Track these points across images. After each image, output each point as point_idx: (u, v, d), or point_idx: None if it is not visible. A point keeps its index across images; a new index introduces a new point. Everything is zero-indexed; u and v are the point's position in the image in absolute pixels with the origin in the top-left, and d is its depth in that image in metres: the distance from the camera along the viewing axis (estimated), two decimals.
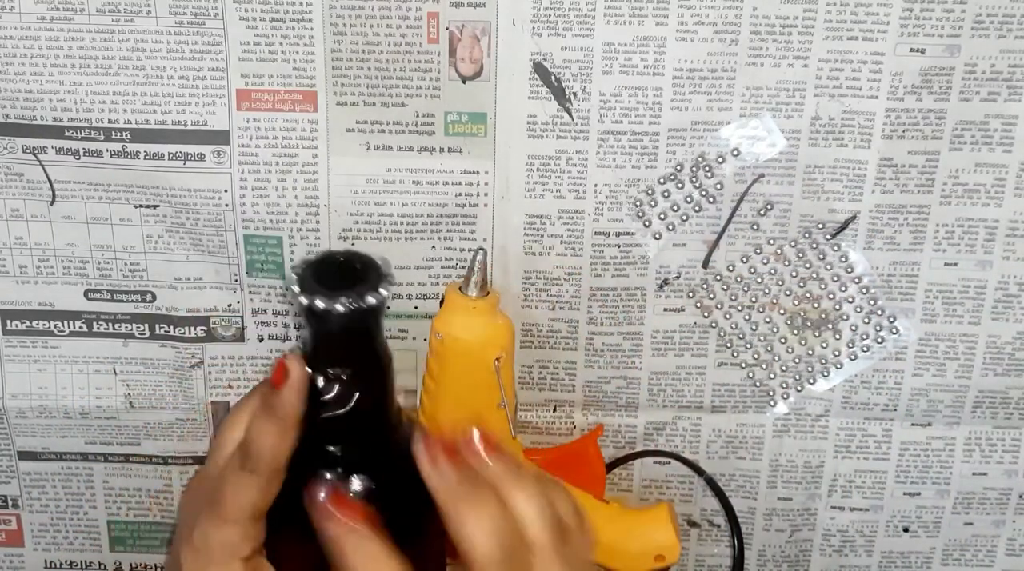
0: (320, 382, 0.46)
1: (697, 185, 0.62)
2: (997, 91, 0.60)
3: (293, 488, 0.46)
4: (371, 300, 0.44)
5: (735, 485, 0.68)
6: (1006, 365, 0.65)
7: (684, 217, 0.63)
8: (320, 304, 0.44)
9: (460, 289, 0.58)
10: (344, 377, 0.46)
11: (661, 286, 0.64)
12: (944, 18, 0.58)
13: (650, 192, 0.62)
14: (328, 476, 0.47)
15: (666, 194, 0.62)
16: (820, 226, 0.63)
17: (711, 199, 0.62)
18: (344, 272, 0.46)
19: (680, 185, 0.62)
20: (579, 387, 0.66)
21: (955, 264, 0.63)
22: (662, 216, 0.63)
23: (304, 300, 0.44)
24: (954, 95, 0.60)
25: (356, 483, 0.47)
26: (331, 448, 0.47)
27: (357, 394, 0.46)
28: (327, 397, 0.46)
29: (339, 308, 0.44)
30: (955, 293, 0.64)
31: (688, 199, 0.62)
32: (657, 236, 0.63)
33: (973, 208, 0.62)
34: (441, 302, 0.59)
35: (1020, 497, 0.68)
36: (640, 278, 0.64)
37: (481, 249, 0.58)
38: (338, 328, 0.45)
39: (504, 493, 0.47)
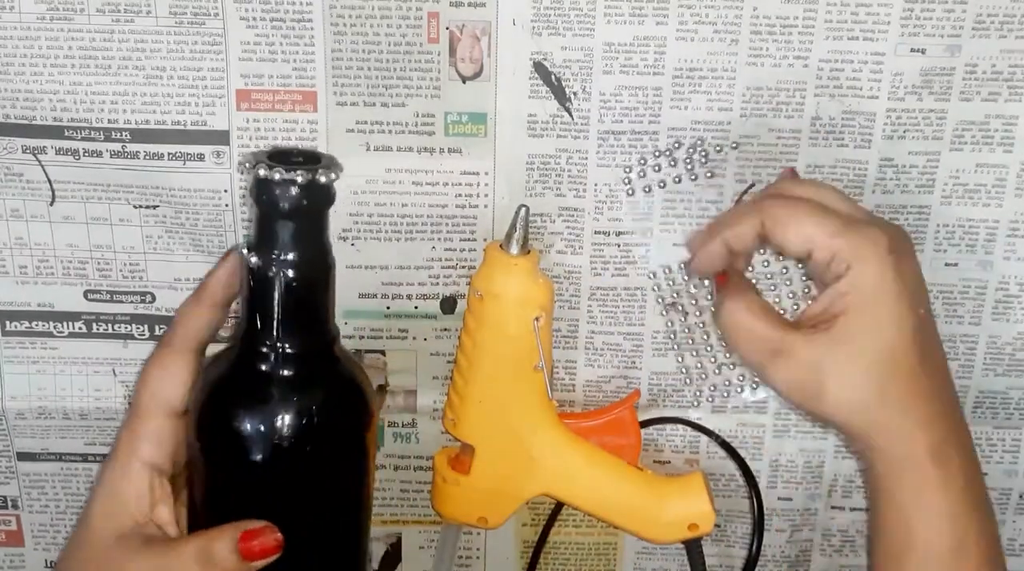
0: (263, 266, 0.48)
1: (692, 173, 0.62)
2: (998, 91, 0.60)
3: (230, 382, 0.50)
4: (322, 177, 0.47)
5: (735, 485, 0.68)
6: (1006, 365, 0.65)
7: (682, 215, 0.63)
8: (277, 174, 0.46)
9: (501, 246, 0.58)
10: (289, 261, 0.48)
11: (659, 286, 0.64)
12: (945, 18, 0.58)
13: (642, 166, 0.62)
14: (264, 370, 0.49)
15: (662, 184, 0.62)
16: None
17: (711, 199, 0.62)
18: (295, 161, 0.48)
19: (673, 163, 0.62)
20: (579, 386, 0.66)
21: (955, 264, 0.63)
22: (662, 216, 0.63)
23: (262, 171, 0.47)
24: (954, 95, 0.60)
25: (294, 376, 0.49)
26: (267, 346, 0.49)
27: (300, 282, 0.48)
28: (270, 284, 0.48)
29: (296, 178, 0.47)
30: (955, 293, 0.64)
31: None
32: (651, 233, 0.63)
33: (974, 208, 0.62)
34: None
35: (1020, 497, 0.68)
36: (640, 278, 0.64)
37: (523, 206, 0.57)
38: (289, 206, 0.47)
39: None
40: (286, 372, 0.49)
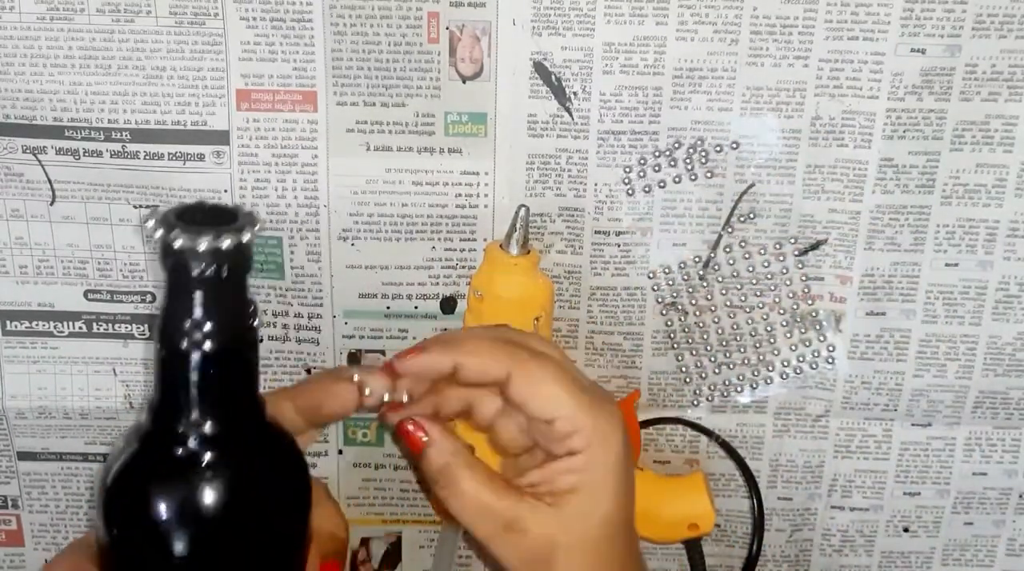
0: (176, 341, 0.41)
1: (692, 173, 0.62)
2: (998, 91, 0.60)
3: (143, 467, 0.43)
4: (236, 238, 0.40)
5: (735, 484, 0.68)
6: (1006, 365, 0.65)
7: (682, 215, 0.63)
8: (183, 240, 0.39)
9: (501, 246, 0.58)
10: (204, 333, 0.41)
11: (659, 286, 0.64)
12: (945, 18, 0.58)
13: (642, 167, 0.62)
14: (177, 453, 0.42)
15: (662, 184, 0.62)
16: (792, 241, 0.63)
17: (711, 199, 0.62)
18: (209, 220, 0.41)
19: (673, 163, 0.62)
20: None
21: (956, 265, 0.63)
22: (662, 216, 0.63)
23: (164, 234, 0.39)
24: (955, 95, 0.60)
25: (211, 461, 0.42)
26: (185, 423, 0.42)
27: (218, 356, 0.41)
28: (183, 360, 0.41)
29: (213, 244, 0.39)
30: (956, 294, 0.64)
31: (686, 199, 0.62)
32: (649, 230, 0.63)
33: (974, 208, 0.62)
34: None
35: (1020, 497, 0.68)
36: (640, 278, 0.64)
37: (523, 206, 0.57)
38: (201, 275, 0.40)
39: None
40: (209, 455, 0.43)
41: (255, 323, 0.43)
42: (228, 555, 0.44)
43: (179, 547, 0.43)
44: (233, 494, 0.43)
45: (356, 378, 0.52)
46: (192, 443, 0.43)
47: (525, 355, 0.50)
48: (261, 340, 0.64)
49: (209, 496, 0.43)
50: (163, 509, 0.42)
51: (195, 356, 0.41)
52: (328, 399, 0.53)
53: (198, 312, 0.41)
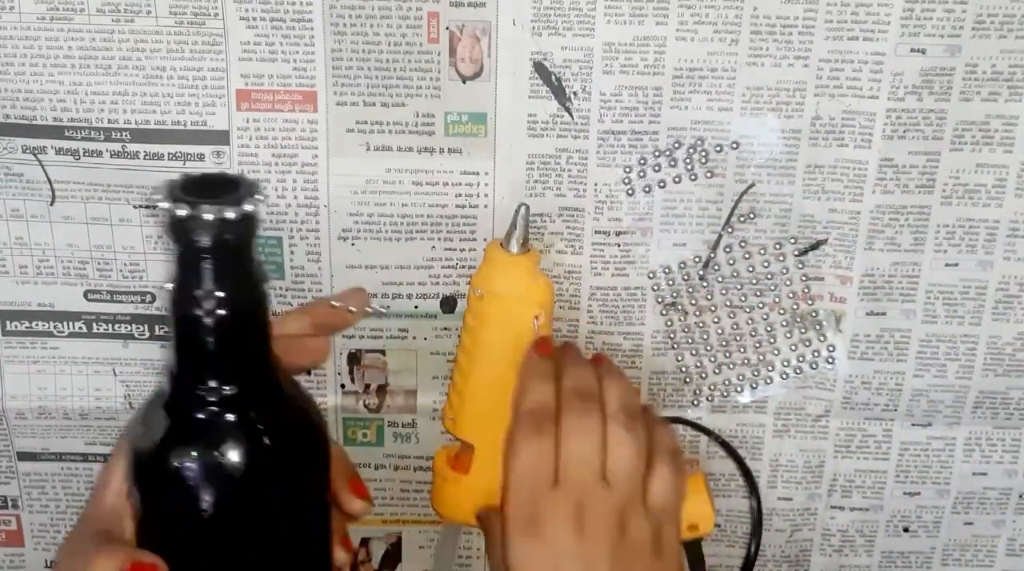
0: (190, 310, 0.42)
1: (692, 173, 0.62)
2: (998, 91, 0.60)
3: (169, 432, 0.44)
4: (247, 206, 0.41)
5: (735, 484, 0.68)
6: (1006, 365, 0.65)
7: (682, 215, 0.63)
8: (194, 211, 0.41)
9: (501, 245, 0.58)
10: (217, 299, 0.42)
11: (659, 286, 0.64)
12: (945, 18, 0.58)
13: (642, 168, 0.62)
14: (202, 417, 0.44)
15: (662, 184, 0.62)
16: (792, 241, 0.63)
17: (711, 199, 0.62)
18: (214, 190, 0.42)
19: (673, 163, 0.62)
20: None
21: (956, 265, 0.63)
22: (662, 216, 0.63)
23: (180, 211, 0.41)
24: (955, 95, 0.60)
25: (235, 420, 0.44)
26: (206, 388, 0.44)
27: (233, 320, 0.43)
28: (199, 327, 0.43)
29: (217, 215, 0.41)
30: (956, 294, 0.64)
31: (687, 198, 0.62)
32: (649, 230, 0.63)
33: (974, 208, 0.62)
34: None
35: (1020, 497, 0.68)
36: (640, 278, 0.64)
37: (524, 204, 0.57)
38: (213, 242, 0.41)
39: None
40: (230, 415, 0.45)
41: (264, 285, 0.44)
42: (257, 510, 0.45)
43: (209, 507, 0.44)
44: (256, 451, 0.44)
45: (336, 305, 0.52)
46: (211, 406, 0.44)
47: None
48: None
49: (234, 455, 0.44)
50: (191, 472, 0.44)
51: (207, 323, 0.43)
52: (335, 317, 0.53)
53: (207, 281, 0.42)
